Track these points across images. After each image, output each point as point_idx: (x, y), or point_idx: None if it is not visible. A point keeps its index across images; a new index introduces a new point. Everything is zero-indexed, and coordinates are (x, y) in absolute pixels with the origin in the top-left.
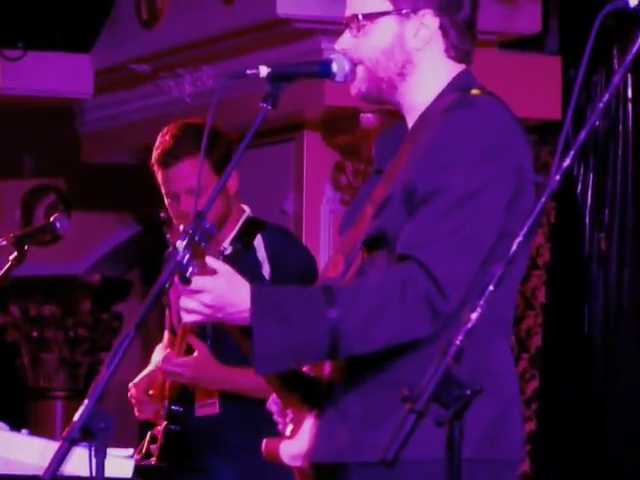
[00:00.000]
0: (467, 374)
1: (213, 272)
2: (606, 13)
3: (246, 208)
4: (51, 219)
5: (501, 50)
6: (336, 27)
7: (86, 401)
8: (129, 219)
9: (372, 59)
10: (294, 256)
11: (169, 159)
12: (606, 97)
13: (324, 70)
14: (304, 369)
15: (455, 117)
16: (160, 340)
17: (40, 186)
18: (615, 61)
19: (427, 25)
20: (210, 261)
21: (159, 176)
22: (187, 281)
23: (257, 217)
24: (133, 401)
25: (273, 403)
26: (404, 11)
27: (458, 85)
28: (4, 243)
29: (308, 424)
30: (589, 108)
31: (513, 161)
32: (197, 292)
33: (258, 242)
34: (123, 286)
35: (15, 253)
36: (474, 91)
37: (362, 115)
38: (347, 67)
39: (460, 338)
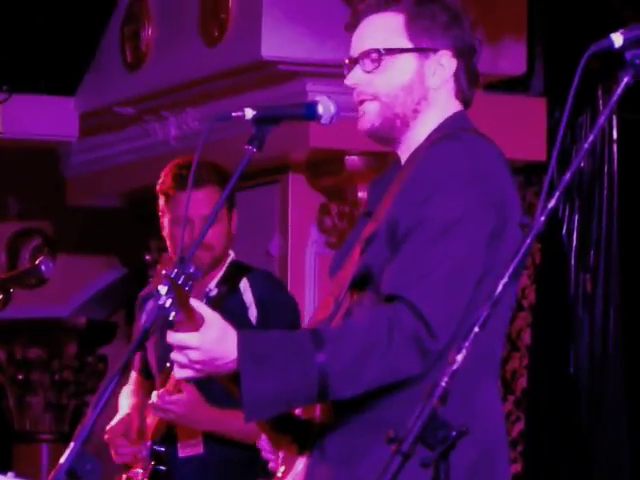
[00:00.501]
0: (453, 415)
1: (200, 319)
2: (591, 54)
3: (231, 252)
4: (36, 262)
5: (486, 91)
6: (321, 69)
7: (72, 444)
8: (115, 262)
9: (390, 94)
10: (281, 300)
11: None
12: (591, 138)
13: (310, 112)
14: (296, 412)
15: (437, 149)
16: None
17: (25, 229)
18: (600, 102)
19: (445, 66)
20: (198, 307)
21: (171, 200)
22: (170, 325)
23: (241, 261)
24: (110, 445)
25: (264, 441)
26: (424, 50)
27: (451, 124)
28: None
29: (299, 465)
30: (574, 149)
31: (494, 195)
32: (185, 348)
33: (244, 285)
34: (108, 329)
35: (0, 296)
36: (466, 129)
37: (347, 157)
38: (332, 109)
39: (445, 380)
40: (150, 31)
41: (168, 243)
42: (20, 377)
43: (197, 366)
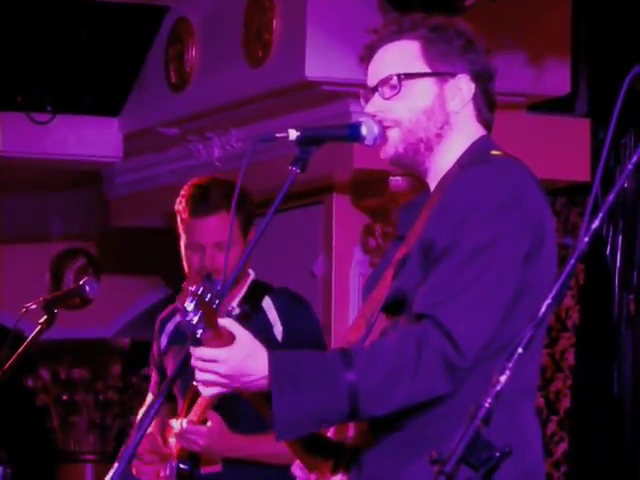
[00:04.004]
0: (495, 436)
1: (230, 336)
2: (635, 74)
3: (251, 271)
4: (80, 283)
5: (530, 112)
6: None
7: (116, 464)
8: (158, 282)
9: (412, 119)
10: (306, 316)
11: (200, 209)
12: (635, 159)
13: (353, 133)
14: (328, 434)
15: (470, 172)
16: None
17: (69, 250)
18: None
19: (463, 89)
20: (228, 324)
21: (185, 224)
22: (198, 342)
23: (261, 280)
24: (136, 461)
25: (298, 468)
26: (442, 74)
27: (477, 148)
28: (34, 307)
29: None
30: (618, 170)
31: (529, 215)
32: (212, 362)
33: (267, 304)
34: None
35: (45, 317)
36: (493, 152)
37: (391, 178)
38: (376, 130)
39: (489, 401)
40: (194, 52)
41: (185, 265)
42: (64, 397)
43: (224, 380)
